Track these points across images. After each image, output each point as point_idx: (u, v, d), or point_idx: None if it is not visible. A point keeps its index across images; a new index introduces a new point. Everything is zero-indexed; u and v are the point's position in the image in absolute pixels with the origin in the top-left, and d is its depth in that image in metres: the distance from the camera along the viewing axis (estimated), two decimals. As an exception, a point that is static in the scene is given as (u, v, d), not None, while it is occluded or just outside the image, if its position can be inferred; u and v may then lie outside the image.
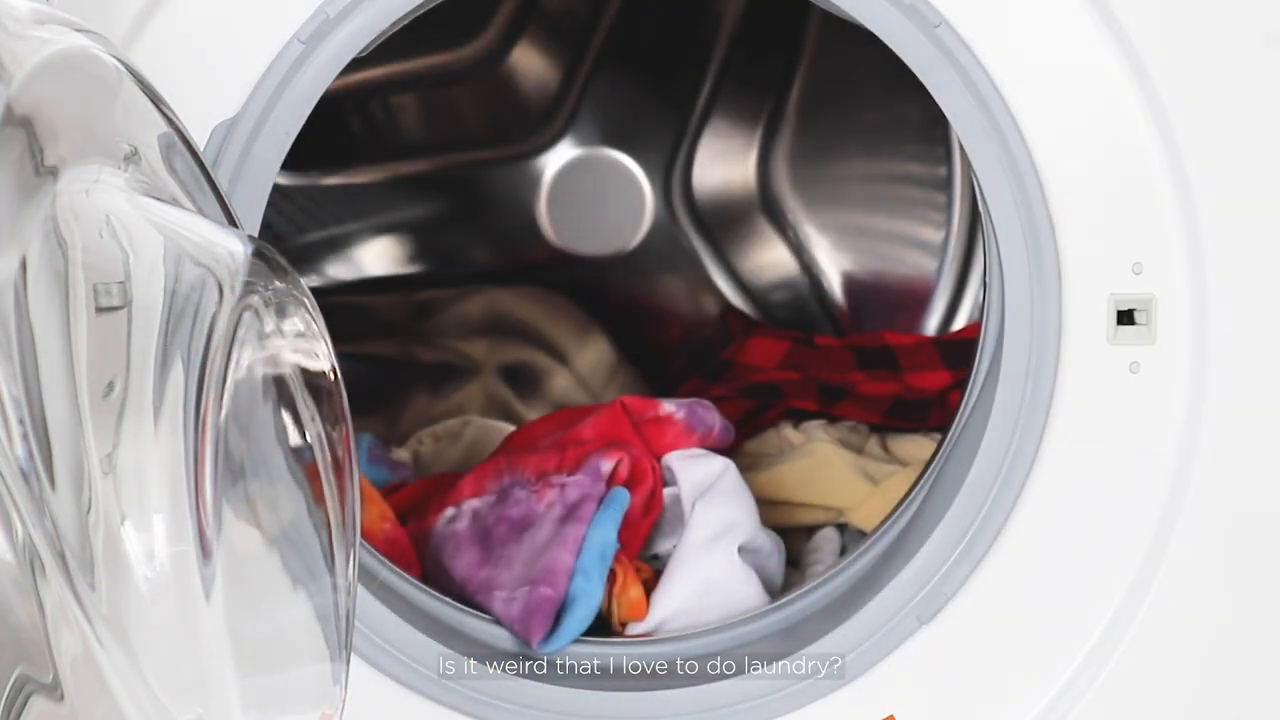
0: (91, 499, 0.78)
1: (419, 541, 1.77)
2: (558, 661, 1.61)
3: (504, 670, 1.56)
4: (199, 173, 1.00)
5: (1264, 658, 1.54)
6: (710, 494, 1.73)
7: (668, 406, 1.79)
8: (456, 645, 1.57)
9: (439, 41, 2.33)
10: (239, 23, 1.44)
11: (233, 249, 0.86)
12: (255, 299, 0.86)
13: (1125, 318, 1.48)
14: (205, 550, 0.80)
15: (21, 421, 0.74)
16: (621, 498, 1.69)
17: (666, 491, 1.74)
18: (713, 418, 1.80)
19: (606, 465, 1.71)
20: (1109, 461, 1.51)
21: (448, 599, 1.64)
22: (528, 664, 1.59)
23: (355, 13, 1.44)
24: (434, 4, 1.49)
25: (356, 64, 1.49)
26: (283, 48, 1.44)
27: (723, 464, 1.74)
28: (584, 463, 1.72)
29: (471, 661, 1.56)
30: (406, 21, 1.48)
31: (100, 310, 0.81)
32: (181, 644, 0.81)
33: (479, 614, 1.64)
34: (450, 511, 1.78)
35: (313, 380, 0.92)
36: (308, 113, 1.46)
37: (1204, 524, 1.50)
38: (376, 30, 1.46)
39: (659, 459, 1.77)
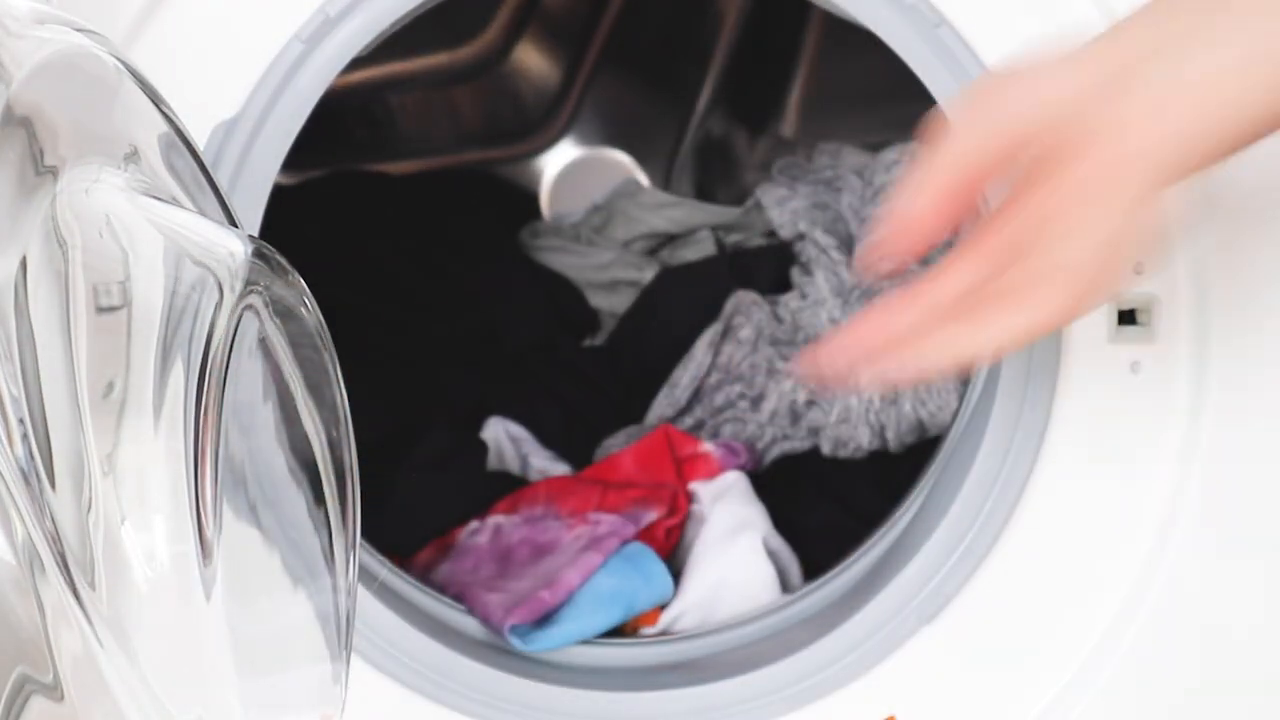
0: (91, 499, 0.78)
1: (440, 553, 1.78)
2: (558, 661, 1.62)
3: (504, 670, 1.56)
4: (199, 173, 1.00)
5: (1265, 658, 1.54)
6: (725, 498, 1.75)
7: (706, 446, 1.82)
8: (457, 645, 1.57)
9: (439, 41, 2.33)
10: (239, 23, 1.44)
11: (233, 249, 0.86)
12: (255, 299, 0.86)
13: (1126, 317, 1.48)
14: (205, 551, 0.80)
15: (21, 421, 0.74)
16: (644, 557, 1.69)
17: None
18: (743, 458, 1.83)
19: (648, 516, 1.72)
20: (1110, 461, 1.51)
21: (448, 599, 1.64)
22: (528, 664, 1.59)
23: (355, 13, 1.44)
24: (434, 4, 1.49)
25: (356, 64, 1.49)
26: (283, 48, 1.44)
27: (735, 475, 1.77)
28: (627, 509, 1.74)
29: (471, 661, 1.56)
30: (406, 21, 1.48)
31: (100, 310, 0.81)
32: (182, 644, 0.81)
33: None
34: (474, 524, 1.79)
35: (313, 380, 0.92)
36: (308, 113, 1.45)
37: (1205, 524, 1.50)
38: (376, 30, 1.46)
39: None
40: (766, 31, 2.33)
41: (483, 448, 1.92)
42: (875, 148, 2.07)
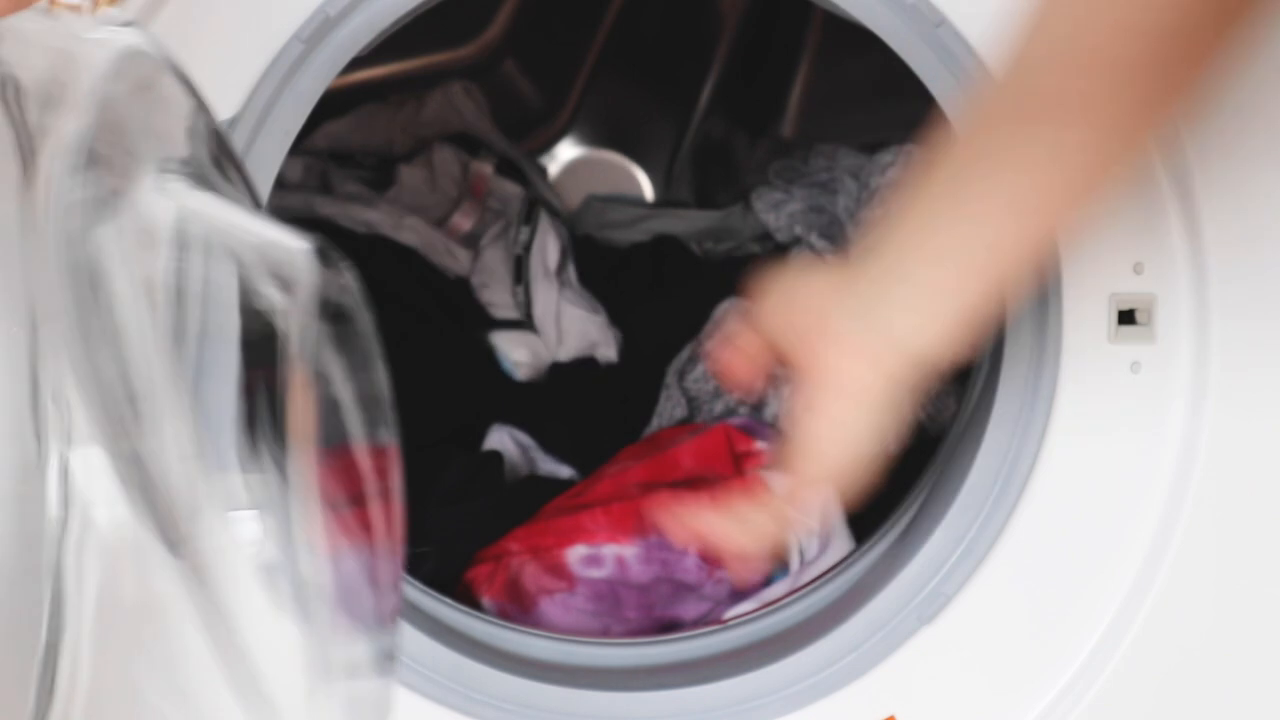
0: (188, 490, 0.78)
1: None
2: (558, 661, 1.61)
3: (505, 670, 1.56)
4: (231, 164, 1.00)
5: (1265, 658, 1.55)
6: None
7: (760, 444, 1.83)
8: (457, 646, 1.57)
9: (439, 41, 2.32)
10: (239, 22, 1.44)
11: (294, 247, 0.85)
12: (318, 308, 0.86)
13: (1126, 317, 1.49)
14: (299, 559, 0.80)
15: (121, 420, 0.74)
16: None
17: None
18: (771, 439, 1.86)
19: None
20: (1110, 461, 1.51)
21: (447, 599, 1.64)
22: (528, 664, 1.59)
23: (355, 13, 1.44)
24: (434, 4, 1.48)
25: (356, 64, 1.48)
26: (283, 48, 1.43)
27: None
28: None
29: (472, 662, 1.55)
30: (406, 21, 1.48)
31: (167, 312, 0.81)
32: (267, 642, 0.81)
33: (479, 614, 1.64)
34: (584, 550, 1.78)
35: (367, 398, 0.91)
36: (308, 112, 1.45)
37: (1205, 523, 1.51)
38: (376, 30, 1.45)
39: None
40: (766, 31, 2.33)
41: (499, 460, 1.90)
42: (875, 148, 2.07)
